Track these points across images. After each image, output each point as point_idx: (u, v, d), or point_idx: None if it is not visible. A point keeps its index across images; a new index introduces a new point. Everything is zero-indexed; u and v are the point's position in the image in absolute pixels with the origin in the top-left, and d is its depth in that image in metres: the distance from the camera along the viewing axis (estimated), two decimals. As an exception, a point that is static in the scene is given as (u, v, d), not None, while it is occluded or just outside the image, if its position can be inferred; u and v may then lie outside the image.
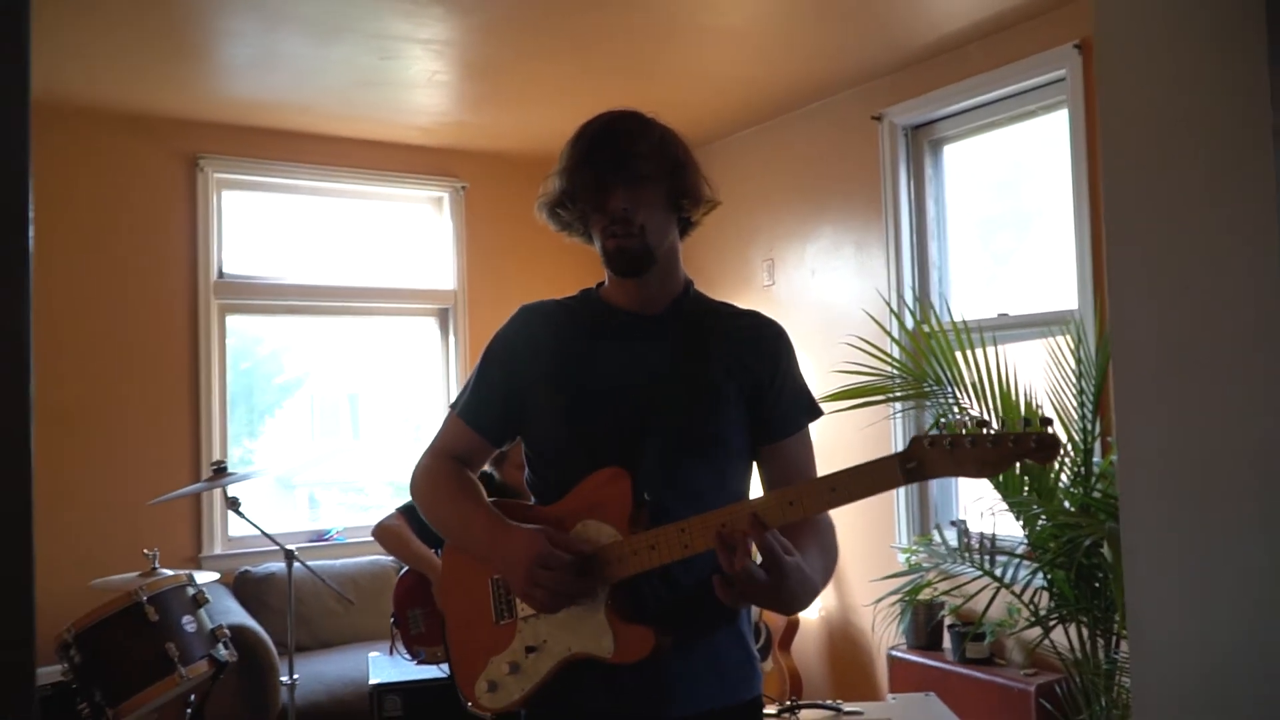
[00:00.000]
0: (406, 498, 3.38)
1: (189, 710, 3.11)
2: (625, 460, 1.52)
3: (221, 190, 4.71)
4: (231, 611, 3.97)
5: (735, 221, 5.07)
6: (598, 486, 1.52)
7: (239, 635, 3.73)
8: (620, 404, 1.57)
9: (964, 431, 1.24)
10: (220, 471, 3.32)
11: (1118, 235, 2.05)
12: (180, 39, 3.69)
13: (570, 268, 5.10)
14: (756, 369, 1.61)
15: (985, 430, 1.22)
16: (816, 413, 1.67)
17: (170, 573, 3.24)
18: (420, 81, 4.19)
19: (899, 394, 3.23)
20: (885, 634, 4.11)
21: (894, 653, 3.91)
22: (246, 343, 5.06)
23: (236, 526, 4.76)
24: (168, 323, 4.51)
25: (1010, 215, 4.15)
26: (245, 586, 4.37)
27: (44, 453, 3.72)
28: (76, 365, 4.31)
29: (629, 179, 1.53)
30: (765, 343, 1.64)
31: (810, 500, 1.40)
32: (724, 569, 1.35)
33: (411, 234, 5.26)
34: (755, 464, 1.66)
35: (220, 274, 4.68)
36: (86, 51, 3.76)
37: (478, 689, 1.58)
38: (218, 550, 4.54)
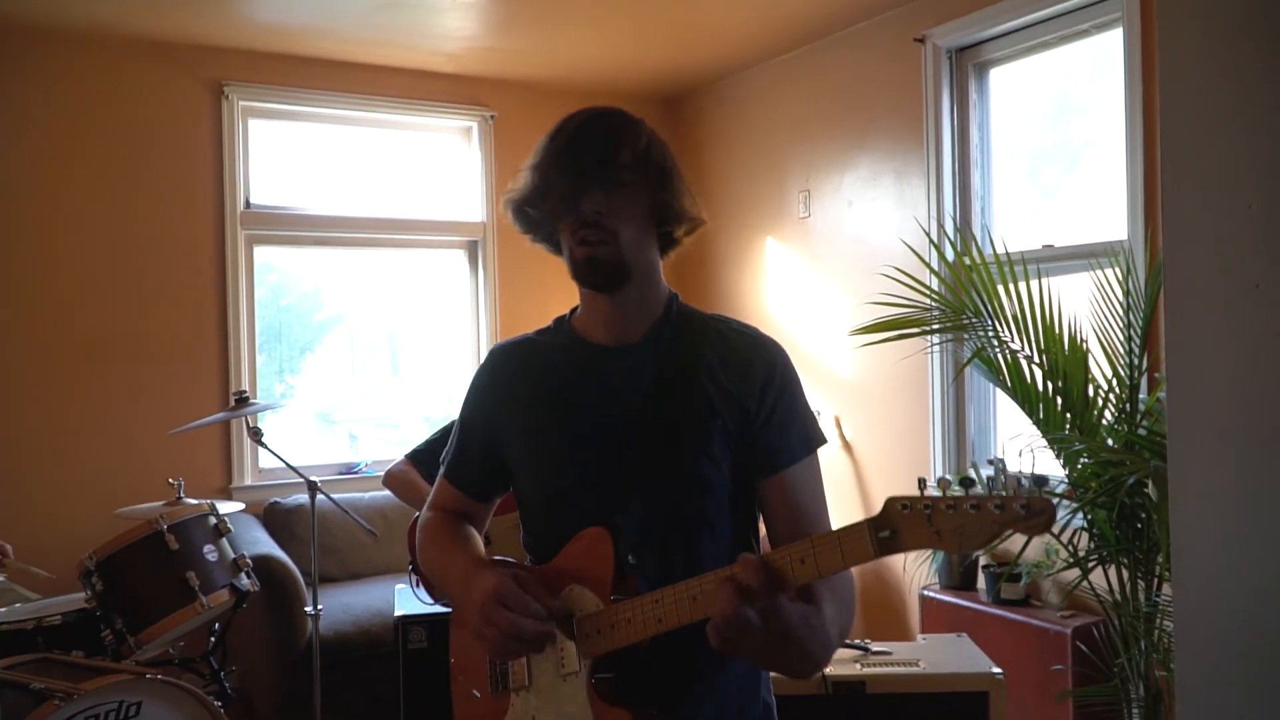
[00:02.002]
0: (415, 443, 3.34)
1: (212, 639, 3.12)
2: (608, 515, 1.40)
3: (248, 119, 4.64)
4: (260, 542, 3.98)
5: (769, 152, 4.91)
6: (582, 550, 1.40)
7: (265, 565, 3.74)
8: (596, 453, 1.44)
9: (943, 495, 1.09)
10: (242, 401, 3.28)
11: (1174, 157, 1.90)
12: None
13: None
14: (744, 397, 1.42)
15: (965, 496, 1.05)
16: (814, 443, 1.45)
17: (195, 502, 3.24)
18: (445, 4, 4.05)
19: (936, 327, 3.09)
20: (917, 574, 4.02)
21: (926, 593, 3.83)
22: (287, 279, 5.03)
23: (267, 458, 4.77)
24: (195, 253, 4.47)
25: (1059, 141, 3.95)
26: (274, 518, 4.38)
27: (72, 384, 3.74)
28: (103, 297, 4.29)
29: (607, 182, 1.37)
30: (756, 366, 1.44)
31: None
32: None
33: (440, 165, 5.16)
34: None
35: (247, 204, 4.62)
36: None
37: None
38: (248, 481, 4.55)
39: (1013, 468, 3.53)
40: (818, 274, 4.62)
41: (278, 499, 4.44)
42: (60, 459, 4.18)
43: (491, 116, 5.07)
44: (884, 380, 4.28)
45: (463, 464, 1.59)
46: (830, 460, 4.59)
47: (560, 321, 1.56)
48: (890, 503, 1.08)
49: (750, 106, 5.06)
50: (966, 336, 3.11)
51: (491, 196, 5.09)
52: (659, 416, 1.42)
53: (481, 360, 1.63)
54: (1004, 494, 1.03)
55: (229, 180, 4.51)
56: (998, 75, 4.04)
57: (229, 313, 4.51)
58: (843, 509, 4.53)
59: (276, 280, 4.91)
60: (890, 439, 4.32)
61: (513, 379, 1.53)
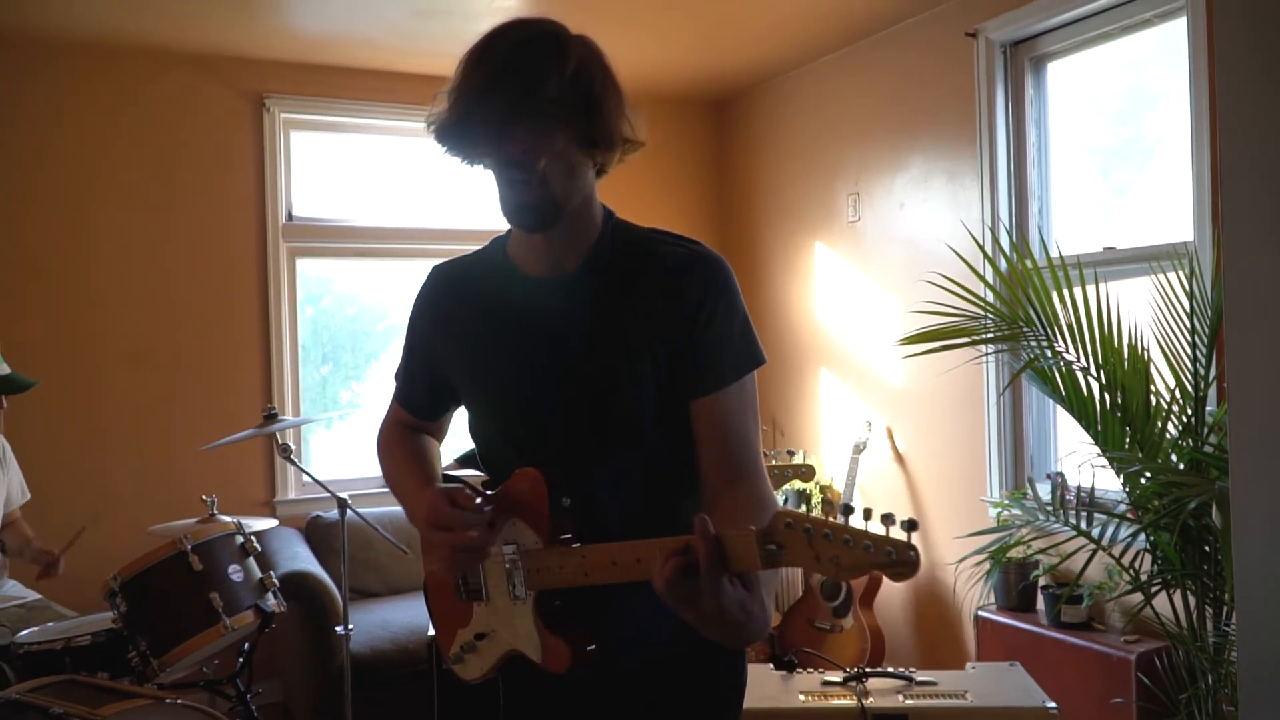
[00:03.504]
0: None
1: (240, 659, 3.08)
2: (543, 453, 1.39)
3: (289, 131, 4.63)
4: (299, 557, 3.95)
5: (818, 154, 4.76)
6: (520, 487, 1.39)
7: (302, 582, 3.71)
8: (529, 387, 1.42)
9: (825, 520, 1.04)
10: (271, 418, 3.25)
11: (1233, 151, 1.75)
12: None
13: (643, 204, 4.91)
14: (675, 319, 1.37)
15: (845, 526, 1.02)
16: (746, 366, 1.40)
17: (229, 519, 3.21)
18: (482, 10, 3.99)
19: (988, 336, 2.92)
20: (972, 593, 3.83)
21: (983, 614, 3.65)
22: (352, 289, 5.05)
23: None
24: (237, 265, 4.48)
25: (1125, 138, 3.74)
26: (316, 532, 4.36)
27: (115, 397, 3.73)
28: (145, 310, 4.31)
29: (533, 117, 1.27)
30: (688, 284, 1.38)
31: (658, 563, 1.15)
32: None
33: (485, 173, 5.08)
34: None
35: (289, 216, 4.61)
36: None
37: (451, 656, 1.53)
38: (291, 495, 4.53)
39: (1073, 482, 3.35)
40: (868, 279, 4.45)
41: (319, 513, 4.42)
42: (101, 472, 4.21)
43: (533, 123, 4.99)
44: (937, 390, 4.09)
45: (410, 386, 1.61)
46: (883, 473, 4.42)
47: (496, 244, 1.52)
48: (778, 517, 1.06)
49: (798, 108, 4.91)
50: (1019, 346, 2.93)
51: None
52: (591, 351, 1.39)
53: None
54: (874, 536, 1.01)
55: (270, 192, 4.51)
56: (1056, 70, 3.84)
57: (270, 325, 4.51)
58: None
59: (343, 290, 4.95)
60: (945, 452, 4.13)
61: (450, 303, 1.51)
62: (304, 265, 4.76)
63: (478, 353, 1.47)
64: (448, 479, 1.52)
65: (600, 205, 1.45)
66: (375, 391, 5.12)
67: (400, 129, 4.84)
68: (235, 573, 2.94)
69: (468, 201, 5.05)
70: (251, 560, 3.03)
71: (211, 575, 2.86)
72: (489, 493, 1.41)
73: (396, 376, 1.63)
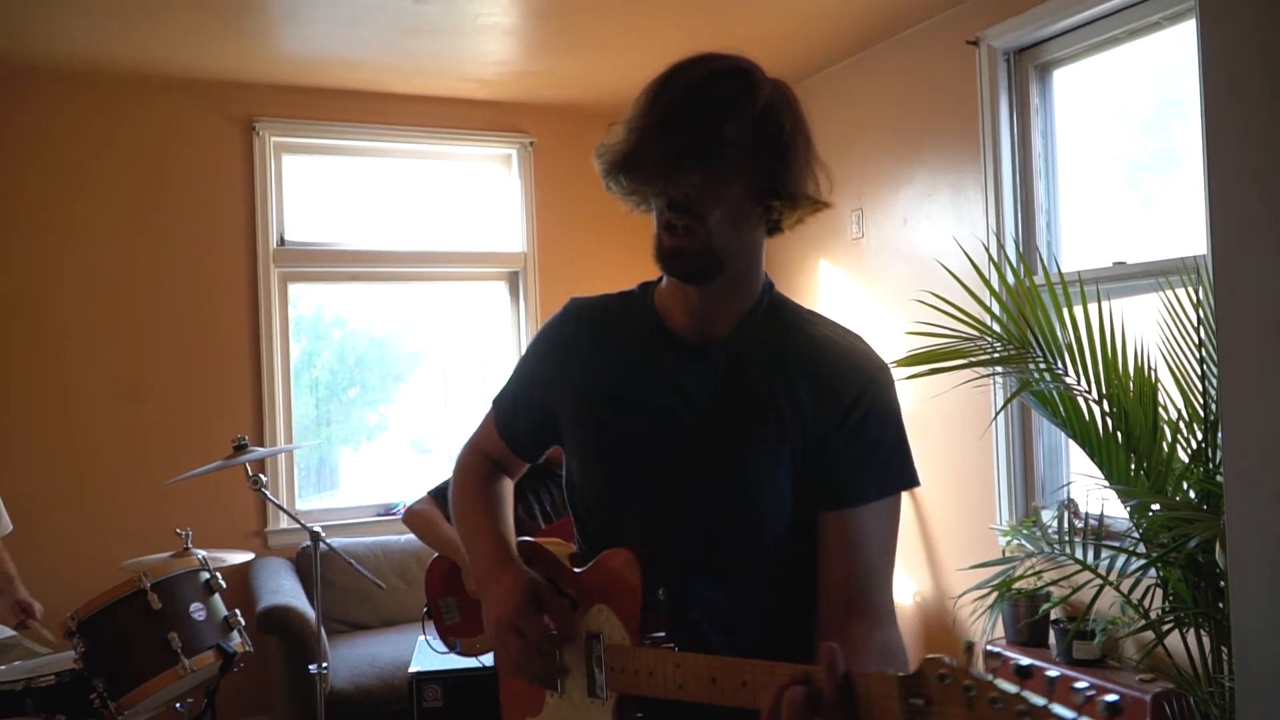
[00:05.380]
0: (437, 480, 3.15)
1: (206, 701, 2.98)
2: (650, 529, 1.26)
3: (280, 155, 4.57)
4: (282, 591, 3.85)
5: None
6: (611, 568, 1.25)
7: (281, 617, 3.62)
8: (646, 462, 1.28)
9: (992, 682, 0.82)
10: (240, 448, 3.15)
11: (1223, 166, 1.62)
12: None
13: (643, 222, 4.77)
14: (821, 420, 1.22)
15: (1019, 695, 0.80)
16: (893, 486, 1.23)
17: (202, 554, 3.10)
18: (468, 28, 3.90)
19: (981, 358, 2.76)
20: (981, 625, 3.64)
21: (991, 648, 3.46)
22: (378, 311, 5.03)
23: (303, 503, 4.68)
24: (228, 292, 4.42)
25: (1140, 147, 3.56)
26: (305, 563, 4.26)
27: (104, 428, 3.65)
28: (135, 337, 4.26)
29: (705, 160, 1.16)
30: (842, 384, 1.23)
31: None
32: None
33: (480, 194, 5.01)
34: None
35: (281, 241, 4.55)
36: (132, 14, 3.62)
37: None
38: (283, 525, 4.44)
39: (1086, 509, 3.16)
40: (873, 297, 4.29)
41: (308, 544, 4.32)
42: (85, 504, 4.14)
43: (531, 143, 4.91)
44: (944, 413, 3.91)
45: (513, 416, 1.48)
46: (889, 499, 4.24)
47: (645, 290, 1.38)
48: (929, 664, 0.87)
49: (800, 122, 4.77)
50: (1009, 369, 2.77)
51: (532, 226, 4.92)
52: (720, 433, 1.25)
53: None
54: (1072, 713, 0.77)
55: (261, 217, 4.45)
56: (1062, 77, 3.67)
57: (261, 351, 4.43)
58: (904, 552, 4.17)
59: (373, 312, 4.98)
60: (953, 477, 3.95)
61: (580, 346, 1.38)
62: (329, 290, 4.76)
63: (600, 408, 1.34)
64: (525, 546, 1.40)
65: (763, 273, 1.33)
66: (401, 414, 5.10)
67: (391, 150, 4.77)
68: (197, 611, 2.83)
69: (459, 224, 4.95)
70: (216, 597, 2.92)
71: (171, 614, 2.76)
72: (576, 570, 1.28)
73: (498, 401, 1.50)
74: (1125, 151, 3.58)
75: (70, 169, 4.18)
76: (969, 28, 3.76)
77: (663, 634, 1.19)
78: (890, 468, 1.24)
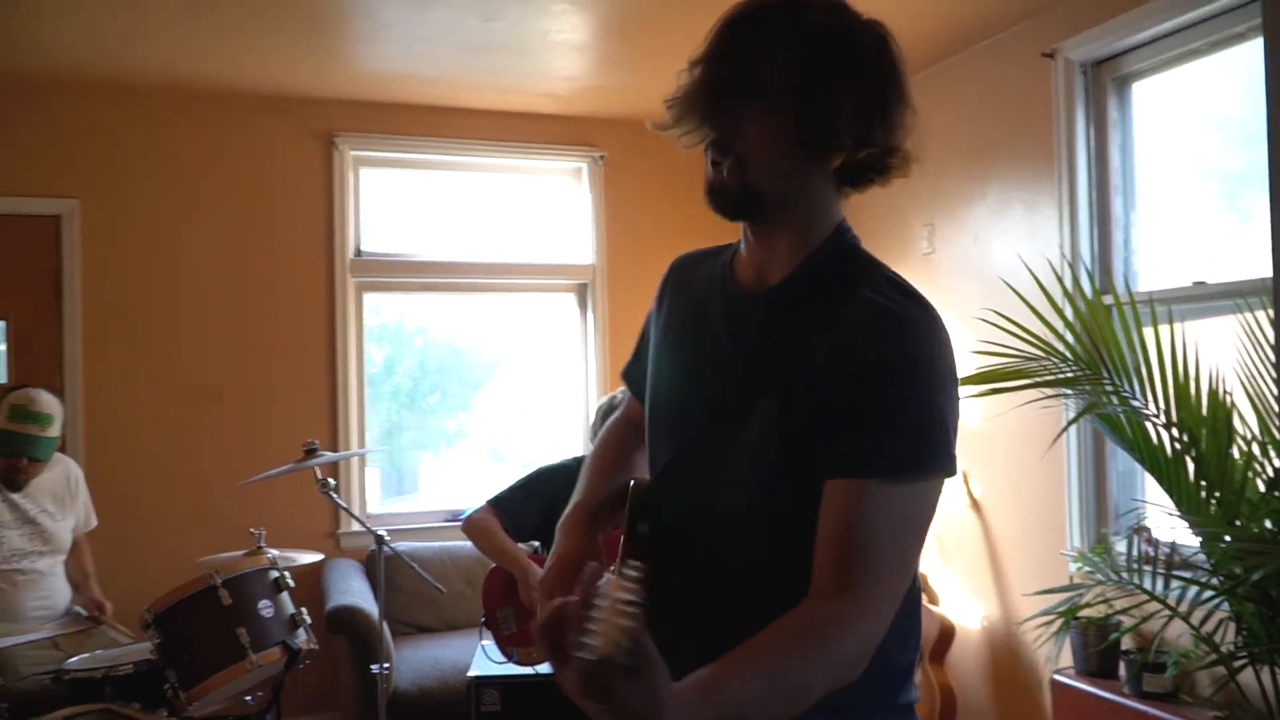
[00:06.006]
0: (498, 489, 3.20)
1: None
2: (665, 476, 1.26)
3: (358, 168, 4.70)
4: (351, 592, 3.95)
5: (890, 184, 4.55)
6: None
7: (348, 617, 3.71)
8: (679, 402, 1.27)
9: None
10: (310, 453, 3.25)
11: None
12: (311, 16, 3.64)
13: (716, 239, 4.76)
14: (842, 376, 1.10)
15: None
16: (910, 465, 1.07)
17: (274, 553, 3.21)
18: (537, 44, 3.97)
19: (1044, 378, 2.70)
20: (1051, 653, 3.55)
21: (1058, 677, 3.37)
22: (456, 321, 5.15)
23: (374, 505, 4.80)
24: (307, 301, 4.56)
25: (1230, 160, 3.45)
26: (374, 565, 4.35)
27: (191, 431, 3.80)
28: (220, 344, 4.42)
29: (741, 98, 1.12)
30: (868, 340, 1.10)
31: None
32: None
33: (551, 207, 5.09)
34: None
35: (357, 252, 4.68)
36: (230, 34, 3.79)
37: None
38: (354, 528, 4.55)
39: (1161, 536, 3.06)
40: (943, 315, 4.22)
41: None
42: (170, 502, 4.31)
43: (601, 157, 4.96)
44: (1015, 433, 3.83)
45: (634, 363, 1.47)
46: (957, 521, 4.17)
47: (736, 244, 1.33)
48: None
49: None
50: (1072, 390, 2.70)
51: (602, 238, 4.97)
52: (748, 383, 1.17)
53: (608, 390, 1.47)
54: None
55: (339, 229, 4.58)
56: (1142, 90, 3.58)
57: (337, 359, 4.56)
58: (971, 575, 4.10)
59: (452, 322, 5.12)
60: (1023, 500, 3.86)
61: (670, 292, 1.38)
62: (409, 299, 4.92)
63: (660, 356, 1.34)
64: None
65: (834, 219, 1.23)
66: (479, 421, 5.21)
67: (465, 164, 4.88)
68: (265, 608, 2.92)
69: (530, 236, 5.03)
70: (284, 595, 3.01)
71: (240, 610, 2.86)
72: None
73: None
74: (1221, 164, 3.46)
75: (161, 182, 4.37)
76: (1045, 40, 3.68)
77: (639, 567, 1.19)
78: (907, 443, 1.08)
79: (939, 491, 1.12)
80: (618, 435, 1.49)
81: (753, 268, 1.25)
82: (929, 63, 4.28)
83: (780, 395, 1.14)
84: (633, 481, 1.25)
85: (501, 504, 3.11)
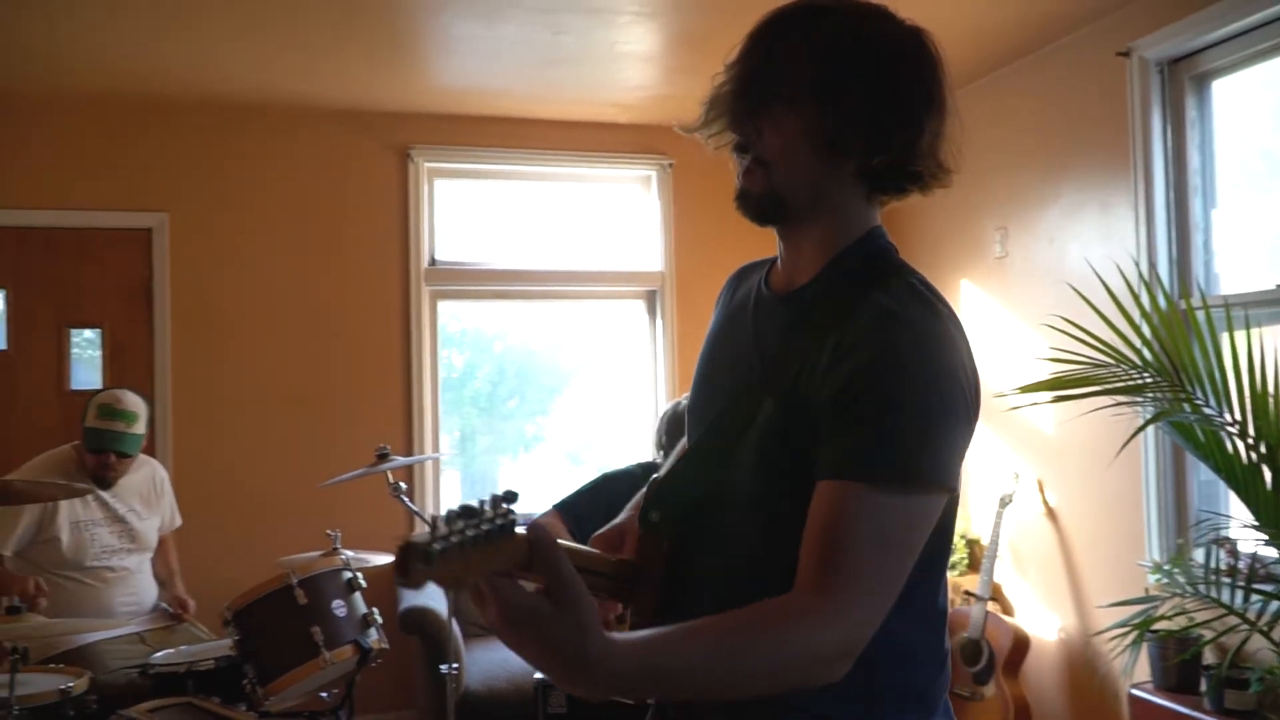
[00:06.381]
0: (565, 494, 3.24)
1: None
2: (673, 478, 1.26)
3: (433, 179, 4.82)
4: (426, 593, 4.04)
5: (963, 187, 4.43)
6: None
7: (420, 618, 3.80)
8: (701, 405, 1.31)
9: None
10: (383, 457, 3.34)
11: None
12: (386, 34, 3.76)
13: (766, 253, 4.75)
14: (837, 375, 1.08)
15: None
16: (903, 470, 1.04)
17: (349, 554, 3.31)
18: (605, 55, 4.03)
19: (1113, 385, 2.64)
20: (1126, 666, 3.46)
21: (1136, 692, 3.29)
22: (532, 327, 5.26)
23: (451, 506, 4.89)
24: (383, 310, 4.68)
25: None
26: (448, 568, 4.45)
27: (274, 435, 3.95)
28: (301, 350, 4.57)
29: (759, 103, 1.14)
30: (865, 343, 1.08)
31: None
32: None
33: (620, 215, 5.14)
34: None
35: (432, 261, 4.79)
36: (310, 52, 3.93)
37: None
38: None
39: (1246, 549, 2.97)
40: (1016, 318, 4.16)
41: (451, 549, 4.51)
42: (253, 504, 4.47)
43: (670, 164, 4.99)
44: (1091, 440, 3.74)
45: None
46: (1032, 529, 4.09)
47: None
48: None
49: (944, 139, 4.67)
50: (1141, 398, 2.64)
51: (670, 245, 5.00)
52: (757, 387, 1.17)
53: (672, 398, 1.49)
54: None
55: (414, 239, 4.70)
56: (1222, 88, 3.48)
57: (412, 366, 4.67)
58: (1047, 585, 4.02)
59: (529, 329, 5.24)
60: (1100, 508, 3.77)
61: (721, 304, 1.40)
62: (488, 307, 5.07)
63: (704, 351, 1.36)
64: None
65: (865, 224, 1.22)
66: (557, 426, 5.30)
67: (536, 173, 4.97)
68: (339, 608, 3.02)
69: (600, 244, 5.09)
70: (357, 596, 3.11)
71: (315, 609, 2.95)
72: None
73: None
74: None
75: (244, 195, 4.55)
76: (1119, 39, 3.60)
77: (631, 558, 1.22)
78: (893, 446, 1.04)
79: (934, 507, 1.08)
80: None
81: (784, 272, 1.26)
82: (1000, 64, 4.22)
83: (783, 396, 1.13)
84: (654, 475, 1.28)
85: (567, 508, 3.15)
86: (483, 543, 0.84)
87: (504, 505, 0.88)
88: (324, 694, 3.34)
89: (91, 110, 4.39)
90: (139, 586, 3.54)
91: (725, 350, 1.31)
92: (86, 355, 4.45)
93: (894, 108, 1.14)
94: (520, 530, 0.89)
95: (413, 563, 0.80)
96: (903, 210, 5.00)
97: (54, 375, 4.33)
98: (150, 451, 4.03)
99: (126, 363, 4.41)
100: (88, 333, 4.43)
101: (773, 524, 1.13)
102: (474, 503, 0.86)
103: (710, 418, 1.25)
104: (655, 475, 1.29)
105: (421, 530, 0.86)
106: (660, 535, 1.21)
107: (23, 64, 3.99)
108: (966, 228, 4.50)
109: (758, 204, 1.19)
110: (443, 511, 0.83)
